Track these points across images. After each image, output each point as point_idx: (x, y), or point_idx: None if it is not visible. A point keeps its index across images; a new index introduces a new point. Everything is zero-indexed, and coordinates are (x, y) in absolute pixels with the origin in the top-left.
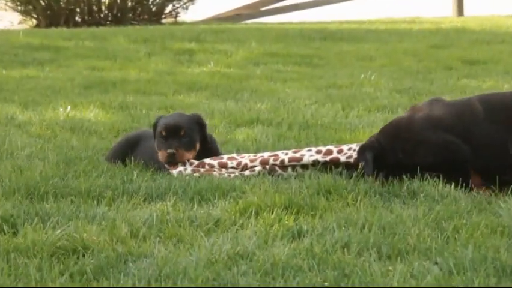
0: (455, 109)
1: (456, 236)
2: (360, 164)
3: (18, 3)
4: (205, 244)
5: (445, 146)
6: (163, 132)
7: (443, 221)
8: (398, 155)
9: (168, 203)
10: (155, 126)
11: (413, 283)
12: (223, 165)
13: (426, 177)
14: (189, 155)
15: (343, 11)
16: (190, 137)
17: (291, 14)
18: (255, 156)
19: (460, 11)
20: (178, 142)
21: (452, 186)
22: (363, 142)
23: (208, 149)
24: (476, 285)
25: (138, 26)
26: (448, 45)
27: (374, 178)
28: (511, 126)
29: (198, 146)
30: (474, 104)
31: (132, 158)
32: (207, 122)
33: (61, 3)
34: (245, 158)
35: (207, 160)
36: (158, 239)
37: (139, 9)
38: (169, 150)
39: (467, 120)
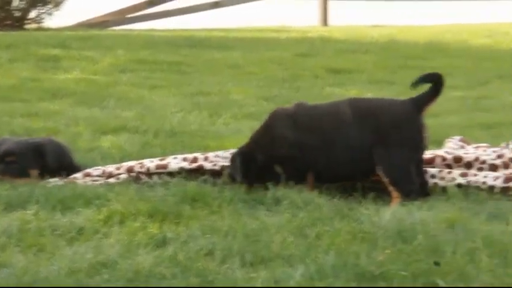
0: (321, 111)
1: (318, 242)
2: (231, 171)
3: None
4: (67, 253)
5: (295, 144)
6: None
7: (306, 228)
8: (262, 153)
9: (29, 211)
10: None
11: None
12: (87, 174)
13: (290, 185)
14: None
15: (211, 19)
16: (20, 164)
17: (158, 21)
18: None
19: (325, 20)
20: (5, 167)
21: (316, 193)
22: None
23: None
24: None
25: (0, 32)
26: (314, 54)
27: (246, 185)
28: (376, 131)
29: (34, 173)
30: (342, 107)
31: None
32: (72, 129)
33: None
34: (110, 167)
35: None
36: (18, 248)
37: (2, 14)
38: None
39: (332, 122)
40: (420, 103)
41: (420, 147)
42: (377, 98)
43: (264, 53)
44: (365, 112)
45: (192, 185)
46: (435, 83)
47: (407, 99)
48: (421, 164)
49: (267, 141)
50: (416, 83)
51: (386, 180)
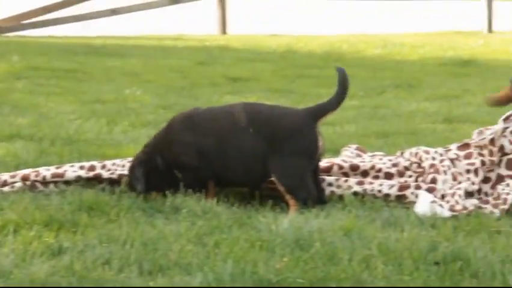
0: (216, 114)
1: (217, 250)
2: (130, 181)
3: None
4: None
5: (194, 148)
6: None
7: (205, 236)
8: (161, 159)
9: None
10: None
11: None
12: None
13: (189, 193)
14: None
15: (108, 27)
16: None
17: (54, 28)
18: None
19: (224, 29)
20: None
21: (215, 201)
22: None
23: None
24: None
25: None
26: (213, 62)
27: (147, 194)
28: (271, 139)
29: None
30: (237, 111)
31: None
32: None
33: None
34: (4, 175)
35: None
36: None
37: None
38: None
39: (227, 126)
40: (317, 113)
41: (316, 156)
42: (273, 105)
43: (162, 61)
44: (259, 118)
45: (89, 194)
46: (336, 97)
47: (303, 109)
48: (318, 172)
49: (166, 146)
50: (339, 70)
51: (281, 188)
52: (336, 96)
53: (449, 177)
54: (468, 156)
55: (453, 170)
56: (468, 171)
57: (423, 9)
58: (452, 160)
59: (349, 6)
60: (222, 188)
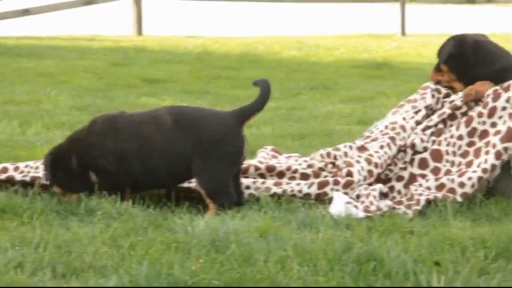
0: (142, 118)
1: (132, 252)
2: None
3: None
4: None
5: (114, 153)
6: None
7: (120, 238)
8: (77, 158)
9: None
10: None
11: None
12: None
13: (104, 195)
14: None
15: (20, 27)
16: None
17: None
18: None
19: (140, 30)
20: None
21: (130, 203)
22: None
23: None
24: None
25: None
26: (128, 63)
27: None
28: (195, 143)
29: None
30: (163, 114)
31: None
32: None
33: None
34: None
35: None
36: None
37: None
38: None
39: (152, 130)
40: (241, 116)
41: (239, 161)
42: (198, 109)
43: (76, 62)
44: (185, 122)
45: (1, 196)
46: (261, 95)
47: (228, 112)
48: (239, 175)
49: (85, 147)
50: (255, 84)
51: (202, 192)
52: (260, 98)
53: (363, 164)
54: (375, 139)
55: (364, 156)
56: (381, 146)
57: (338, 12)
58: (360, 147)
59: (264, 8)
60: (139, 193)
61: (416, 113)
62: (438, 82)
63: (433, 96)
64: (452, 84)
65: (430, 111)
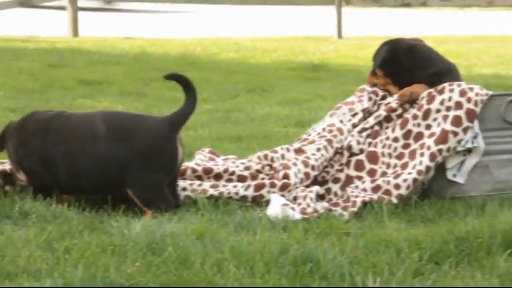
0: (75, 122)
1: (67, 256)
2: None
3: None
4: None
5: (40, 154)
6: None
7: (55, 242)
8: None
9: None
10: None
11: None
12: None
13: (38, 197)
14: None
15: None
16: None
17: None
18: None
19: (76, 31)
20: None
21: (65, 206)
22: None
23: None
24: None
25: None
26: (64, 65)
27: None
28: (129, 150)
29: None
30: (96, 120)
31: None
32: None
33: None
34: None
35: None
36: None
37: None
38: None
39: (84, 135)
40: (177, 122)
41: (175, 168)
42: (133, 115)
43: (11, 63)
44: (119, 128)
45: None
46: (188, 100)
47: (162, 118)
48: (176, 179)
49: (14, 143)
50: (168, 77)
51: (137, 201)
52: (189, 99)
53: (300, 166)
54: (312, 142)
55: (301, 158)
56: (318, 149)
57: (275, 14)
58: (298, 150)
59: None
60: (72, 195)
61: (354, 115)
62: (374, 85)
63: (370, 99)
64: (388, 87)
65: (367, 113)
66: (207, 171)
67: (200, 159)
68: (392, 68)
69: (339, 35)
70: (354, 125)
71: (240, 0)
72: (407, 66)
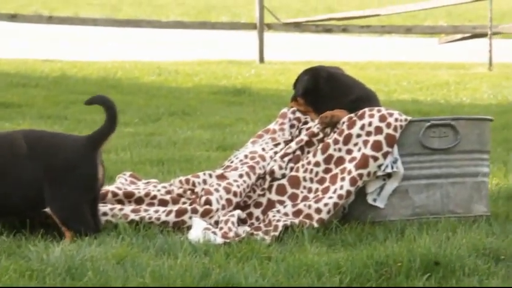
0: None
1: None
2: None
3: None
4: None
5: None
6: None
7: None
8: None
9: None
10: None
11: None
12: None
13: None
14: None
15: None
16: None
17: None
18: None
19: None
20: None
21: None
22: None
23: None
24: None
25: None
26: None
27: None
28: (49, 169)
29: None
30: (17, 139)
31: None
32: None
33: None
34: None
35: None
36: None
37: None
38: None
39: (3, 154)
40: (96, 141)
41: (95, 187)
42: (53, 133)
43: None
44: (39, 147)
45: None
46: (108, 116)
47: (82, 137)
48: (97, 201)
49: None
50: (88, 102)
51: (56, 220)
52: (110, 119)
53: (222, 193)
54: (235, 169)
55: (223, 184)
56: (241, 175)
57: (197, 38)
58: (220, 176)
59: (123, 33)
60: None
61: (276, 145)
62: (296, 112)
63: (292, 126)
64: (309, 115)
65: (290, 139)
66: (128, 195)
67: (121, 183)
68: (313, 96)
69: (261, 60)
70: (276, 153)
71: (161, 24)
72: (327, 94)
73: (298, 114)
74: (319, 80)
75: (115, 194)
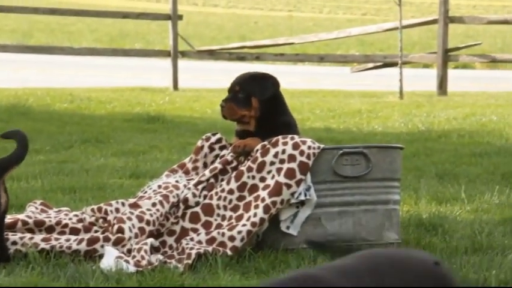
0: None
1: None
2: None
3: None
4: None
5: None
6: None
7: None
8: None
9: None
10: None
11: None
12: None
13: None
14: None
15: None
16: None
17: None
18: None
19: None
20: None
21: None
22: None
23: None
24: None
25: None
26: None
27: None
28: None
29: None
30: None
31: None
32: None
33: None
34: None
35: None
36: None
37: None
38: None
39: None
40: (2, 168)
41: None
42: None
43: None
44: None
45: None
46: (18, 146)
47: None
48: (2, 229)
49: None
50: (3, 136)
51: None
52: (18, 150)
53: (135, 221)
54: (149, 198)
55: (136, 212)
56: (154, 204)
57: (110, 65)
58: (133, 204)
59: (34, 60)
60: None
61: (189, 181)
62: (242, 116)
63: (205, 164)
64: (250, 121)
65: (204, 168)
66: (39, 224)
67: (31, 212)
68: (271, 104)
69: (175, 87)
70: (190, 181)
71: (73, 51)
72: (278, 106)
73: (215, 145)
74: (278, 88)
75: (25, 223)
